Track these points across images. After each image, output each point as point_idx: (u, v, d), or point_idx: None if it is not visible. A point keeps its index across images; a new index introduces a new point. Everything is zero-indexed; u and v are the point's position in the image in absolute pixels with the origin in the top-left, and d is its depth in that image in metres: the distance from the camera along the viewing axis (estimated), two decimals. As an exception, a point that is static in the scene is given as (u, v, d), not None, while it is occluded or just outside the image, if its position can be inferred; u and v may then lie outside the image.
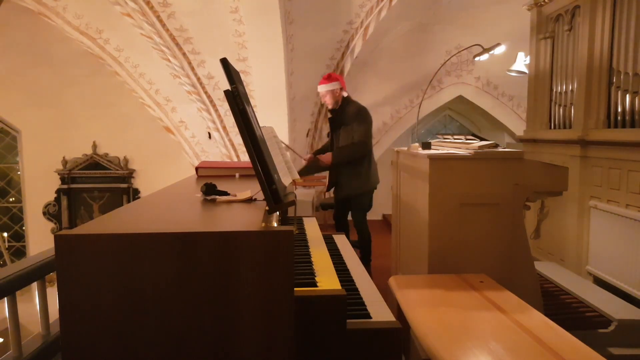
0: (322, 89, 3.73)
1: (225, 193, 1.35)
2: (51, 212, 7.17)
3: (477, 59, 5.35)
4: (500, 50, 4.99)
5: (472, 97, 6.95)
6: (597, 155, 3.48)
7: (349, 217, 3.99)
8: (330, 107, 3.77)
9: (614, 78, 3.34)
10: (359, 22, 5.56)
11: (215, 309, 0.93)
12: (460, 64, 6.71)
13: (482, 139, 2.82)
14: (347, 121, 3.65)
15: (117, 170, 7.19)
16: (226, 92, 1.12)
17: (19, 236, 7.42)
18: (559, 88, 4.08)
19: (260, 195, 1.26)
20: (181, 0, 4.99)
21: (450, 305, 1.83)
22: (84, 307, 0.92)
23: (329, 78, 3.76)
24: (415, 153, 2.74)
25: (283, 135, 5.62)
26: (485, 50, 5.00)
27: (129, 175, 7.25)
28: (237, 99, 1.11)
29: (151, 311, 0.93)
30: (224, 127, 6.04)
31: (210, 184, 1.37)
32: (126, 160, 7.23)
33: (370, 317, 1.11)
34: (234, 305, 0.94)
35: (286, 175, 1.37)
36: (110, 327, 0.93)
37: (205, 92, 5.80)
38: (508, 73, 5.69)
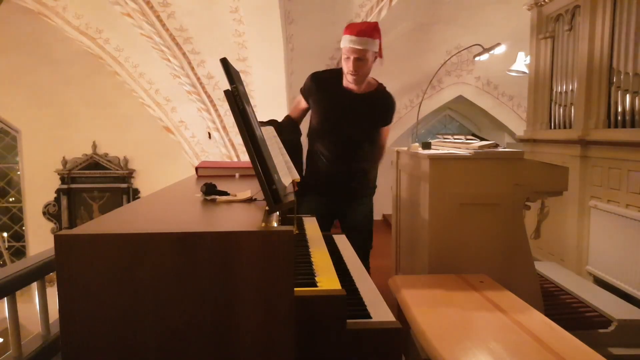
0: (365, 45, 2.26)
1: (225, 193, 1.35)
2: (51, 212, 7.16)
3: (477, 59, 5.36)
4: (500, 50, 4.99)
5: (472, 97, 6.96)
6: (597, 155, 3.47)
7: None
8: (355, 82, 2.35)
9: (614, 78, 3.34)
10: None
11: (215, 308, 0.93)
12: (460, 64, 6.71)
13: (482, 139, 2.81)
14: (373, 108, 2.45)
15: (117, 170, 7.19)
16: (226, 92, 1.12)
17: (18, 236, 7.42)
18: (559, 88, 4.08)
19: (260, 195, 1.26)
20: (181, 0, 4.99)
21: (450, 305, 1.83)
22: (84, 307, 0.92)
23: (375, 30, 2.31)
24: (415, 153, 2.74)
25: (283, 135, 5.61)
26: (485, 50, 5.00)
27: (128, 175, 7.24)
28: (237, 99, 1.11)
29: (151, 311, 0.93)
30: (224, 127, 6.04)
31: (210, 184, 1.36)
32: (126, 160, 7.22)
33: (371, 317, 1.11)
34: (234, 305, 0.94)
35: (286, 175, 1.37)
36: (110, 327, 0.93)
37: (205, 92, 5.79)
38: (508, 73, 5.69)
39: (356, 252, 1.87)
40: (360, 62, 2.30)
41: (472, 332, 1.54)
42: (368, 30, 2.29)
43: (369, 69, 2.37)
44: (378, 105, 2.50)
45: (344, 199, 2.63)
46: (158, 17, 5.14)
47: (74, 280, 0.91)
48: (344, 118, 2.49)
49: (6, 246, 7.07)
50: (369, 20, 5.50)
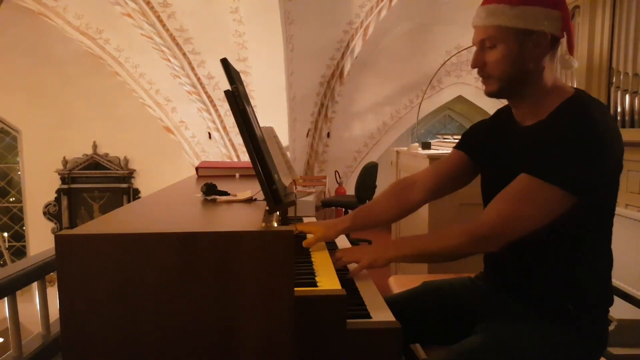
0: (494, 17, 1.08)
1: (225, 193, 1.35)
2: (51, 212, 7.17)
3: (477, 59, 5.36)
4: (500, 50, 4.99)
5: (472, 97, 6.96)
6: (597, 155, 3.48)
7: None
8: (489, 89, 1.17)
9: (614, 78, 3.34)
10: (359, 22, 5.56)
11: (215, 308, 0.93)
12: (460, 64, 6.71)
13: (482, 139, 2.81)
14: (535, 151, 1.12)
15: (118, 170, 7.20)
16: (226, 92, 1.12)
17: (19, 236, 7.43)
18: (559, 88, 4.08)
19: (260, 195, 1.26)
20: (181, 0, 5.00)
21: (450, 305, 1.82)
22: (84, 307, 0.92)
23: None
24: (415, 153, 2.74)
25: (283, 135, 5.63)
26: (485, 50, 5.00)
27: (129, 175, 7.25)
28: (237, 99, 1.11)
29: (151, 311, 0.93)
30: (224, 127, 6.05)
31: (211, 184, 1.37)
32: (126, 160, 7.23)
33: (370, 317, 1.11)
34: (234, 305, 0.94)
35: (286, 175, 1.37)
36: (110, 327, 0.93)
37: (205, 92, 5.80)
38: (508, 73, 5.69)
39: None
40: (490, 51, 1.13)
41: (471, 332, 1.53)
42: None
43: (519, 66, 1.12)
44: (541, 142, 1.13)
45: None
46: (158, 17, 5.15)
47: (74, 280, 0.92)
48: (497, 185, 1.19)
49: (7, 246, 7.07)
50: (369, 19, 5.49)
